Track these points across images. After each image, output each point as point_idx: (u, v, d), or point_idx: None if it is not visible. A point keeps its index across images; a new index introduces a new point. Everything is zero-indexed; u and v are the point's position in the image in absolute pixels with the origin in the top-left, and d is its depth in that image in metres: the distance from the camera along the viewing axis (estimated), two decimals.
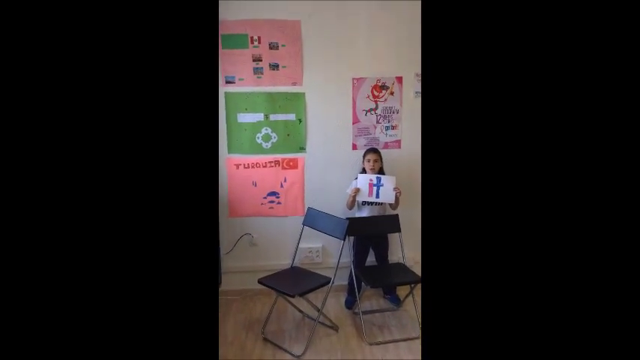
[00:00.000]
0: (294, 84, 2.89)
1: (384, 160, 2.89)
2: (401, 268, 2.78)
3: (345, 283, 2.97)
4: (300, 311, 2.79)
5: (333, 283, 2.51)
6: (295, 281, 2.52)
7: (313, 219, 2.75)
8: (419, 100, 3.00)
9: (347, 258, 2.78)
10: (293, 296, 2.33)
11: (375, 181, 2.74)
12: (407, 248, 2.84)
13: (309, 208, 2.83)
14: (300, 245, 2.81)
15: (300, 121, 2.94)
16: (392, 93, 2.98)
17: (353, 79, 2.93)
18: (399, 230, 2.83)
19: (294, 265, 2.79)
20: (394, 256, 3.03)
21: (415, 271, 2.72)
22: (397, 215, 2.84)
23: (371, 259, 2.95)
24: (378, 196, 2.74)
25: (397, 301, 2.90)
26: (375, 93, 2.97)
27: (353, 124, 2.99)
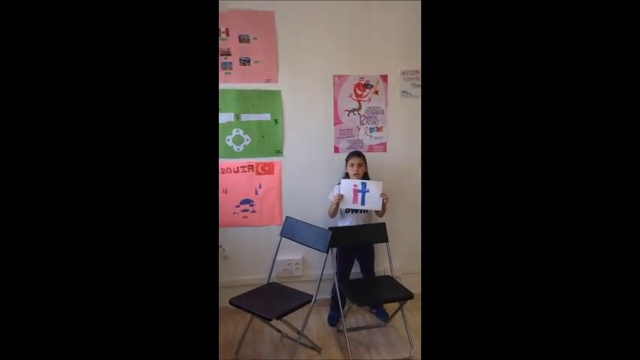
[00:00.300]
0: (268, 81, 2.63)
1: (368, 164, 2.67)
2: (389, 281, 2.55)
3: (328, 296, 2.72)
4: (279, 331, 2.52)
5: (315, 300, 2.26)
6: (272, 301, 2.25)
7: (292, 229, 2.49)
8: (405, 100, 2.80)
9: (330, 270, 2.54)
10: (270, 319, 2.07)
11: (359, 187, 2.52)
12: (394, 258, 2.62)
13: (287, 218, 2.56)
14: (277, 258, 2.56)
15: (275, 121, 2.69)
16: (376, 92, 2.76)
17: (334, 76, 2.71)
18: (386, 240, 2.60)
19: (271, 280, 2.52)
20: (380, 267, 2.82)
21: (403, 283, 2.50)
22: (384, 224, 2.62)
23: (356, 270, 2.72)
24: (363, 202, 2.52)
25: (385, 316, 2.67)
26: (358, 92, 2.75)
27: (335, 125, 2.75)
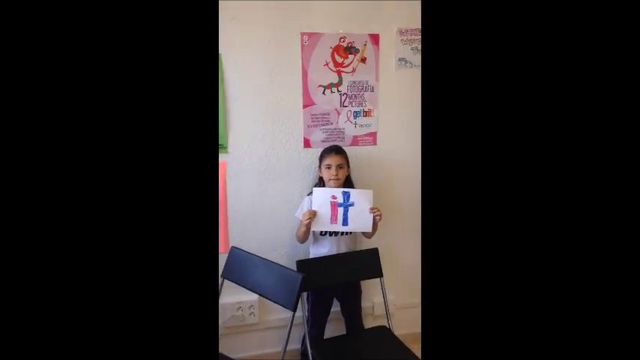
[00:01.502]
0: None
1: (352, 163, 1.85)
2: (386, 339, 1.74)
3: (297, 346, 1.93)
4: None
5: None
6: None
7: (240, 267, 1.64)
8: (404, 72, 1.99)
9: (300, 311, 1.72)
10: None
11: (340, 199, 1.71)
12: (386, 288, 1.84)
13: (232, 249, 1.71)
14: (222, 300, 1.73)
15: None
16: (363, 60, 1.93)
17: (302, 34, 1.84)
18: (379, 275, 1.81)
19: None
20: (367, 301, 2.08)
21: (397, 323, 1.78)
22: (376, 250, 1.82)
23: (335, 309, 1.95)
24: (345, 222, 1.72)
25: None
26: (338, 59, 1.90)
27: (304, 107, 1.90)
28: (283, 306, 1.48)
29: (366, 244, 1.90)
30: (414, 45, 1.98)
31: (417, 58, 1.99)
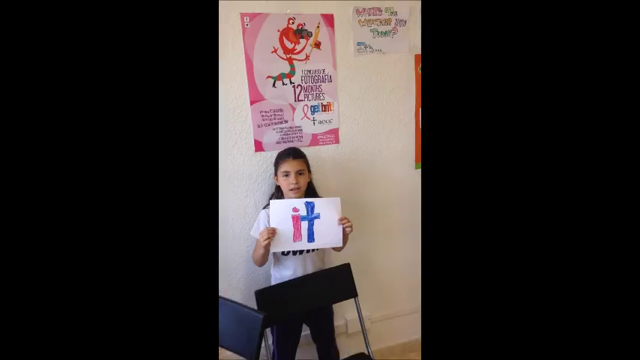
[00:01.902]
0: None
1: (314, 167, 1.58)
2: None
3: None
4: None
5: None
6: None
7: None
8: (365, 57, 1.73)
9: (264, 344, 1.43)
10: None
11: (303, 212, 1.44)
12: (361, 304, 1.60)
13: None
14: None
15: None
16: (317, 44, 1.65)
17: (243, 15, 1.53)
18: (353, 294, 1.56)
19: None
20: (340, 318, 1.85)
21: (374, 338, 1.60)
22: (348, 267, 1.56)
23: (306, 332, 1.67)
24: (311, 237, 1.45)
25: None
26: (288, 44, 1.61)
27: (251, 104, 1.60)
28: (240, 354, 1.18)
29: (336, 258, 1.64)
30: (373, 27, 1.73)
31: (377, 42, 1.74)
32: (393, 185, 1.87)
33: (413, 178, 1.89)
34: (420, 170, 1.90)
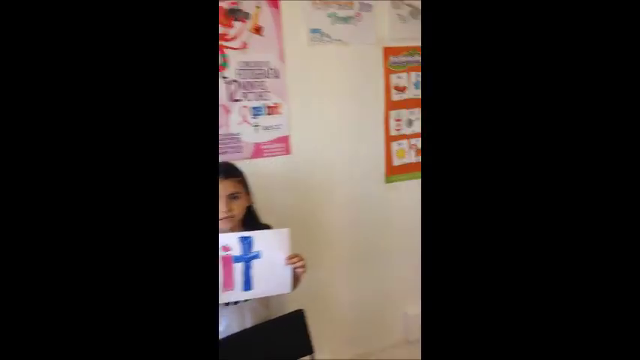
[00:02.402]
0: None
1: (255, 186, 1.23)
2: None
3: None
4: None
5: None
6: None
7: None
8: (322, 48, 1.42)
9: None
10: None
11: (237, 250, 1.10)
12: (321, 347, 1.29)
13: None
14: None
15: None
16: (257, 29, 1.30)
17: None
18: (309, 351, 1.22)
19: None
20: None
21: None
22: (301, 313, 1.23)
23: None
24: (248, 285, 1.11)
25: None
26: (220, 28, 1.25)
27: None
28: None
29: (287, 297, 1.30)
30: (331, 10, 1.39)
31: (337, 30, 1.40)
32: (359, 204, 1.56)
33: (383, 195, 1.58)
34: (391, 185, 1.60)
